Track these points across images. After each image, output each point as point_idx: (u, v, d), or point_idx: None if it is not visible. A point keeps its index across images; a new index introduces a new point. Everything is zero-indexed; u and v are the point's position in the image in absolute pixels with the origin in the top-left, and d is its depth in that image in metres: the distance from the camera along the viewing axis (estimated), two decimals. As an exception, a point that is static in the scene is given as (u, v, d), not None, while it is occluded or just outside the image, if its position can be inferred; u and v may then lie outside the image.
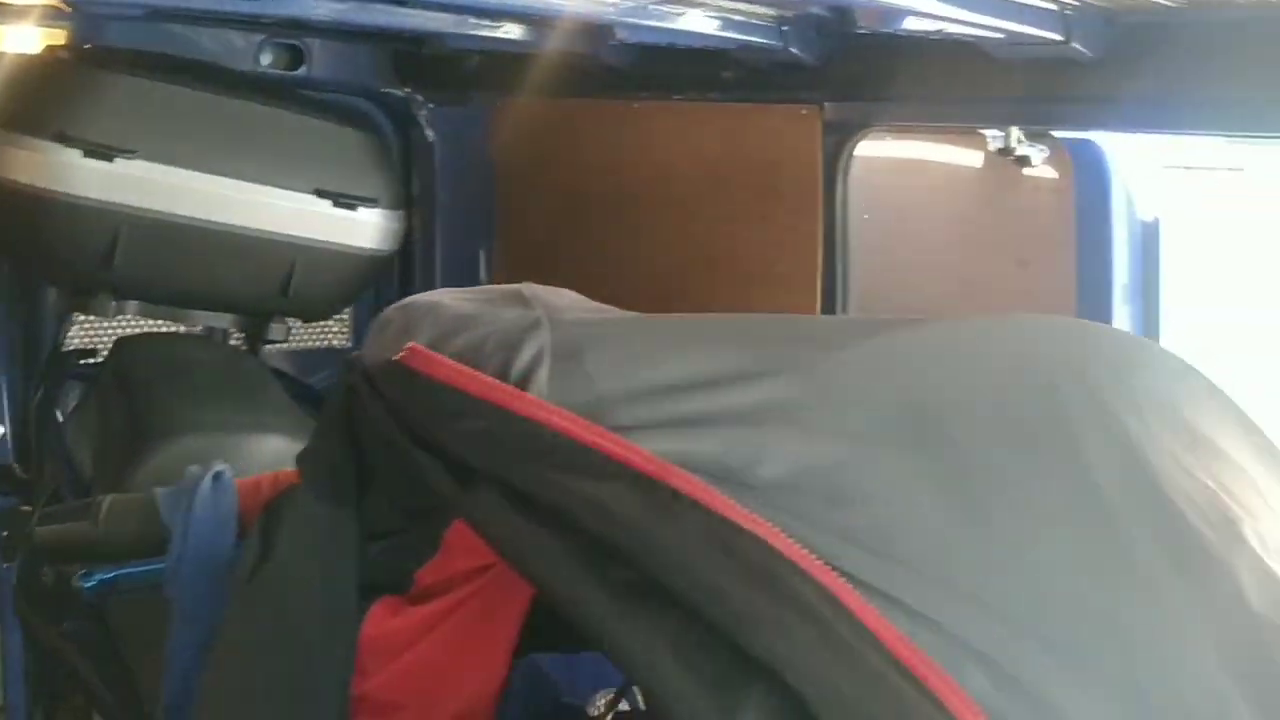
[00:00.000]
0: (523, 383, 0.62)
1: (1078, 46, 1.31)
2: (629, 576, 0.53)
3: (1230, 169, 4.10)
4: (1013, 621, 0.48)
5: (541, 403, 0.60)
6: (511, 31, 1.76)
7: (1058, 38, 1.30)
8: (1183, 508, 0.51)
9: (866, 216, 2.26)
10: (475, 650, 0.62)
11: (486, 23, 1.78)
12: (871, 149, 2.19)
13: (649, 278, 2.18)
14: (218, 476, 0.80)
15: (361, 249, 1.97)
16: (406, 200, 2.21)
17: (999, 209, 1.91)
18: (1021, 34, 1.30)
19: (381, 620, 0.67)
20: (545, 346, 0.63)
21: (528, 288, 0.72)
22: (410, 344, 0.66)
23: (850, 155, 1.89)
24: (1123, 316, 1.74)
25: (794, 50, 1.62)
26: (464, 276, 2.46)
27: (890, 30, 1.33)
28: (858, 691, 0.47)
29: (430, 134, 2.41)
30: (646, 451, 0.56)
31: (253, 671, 0.61)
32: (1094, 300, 1.73)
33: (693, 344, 0.64)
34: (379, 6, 1.57)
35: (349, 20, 1.74)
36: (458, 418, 0.62)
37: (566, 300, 0.73)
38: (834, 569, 0.50)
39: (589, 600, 0.54)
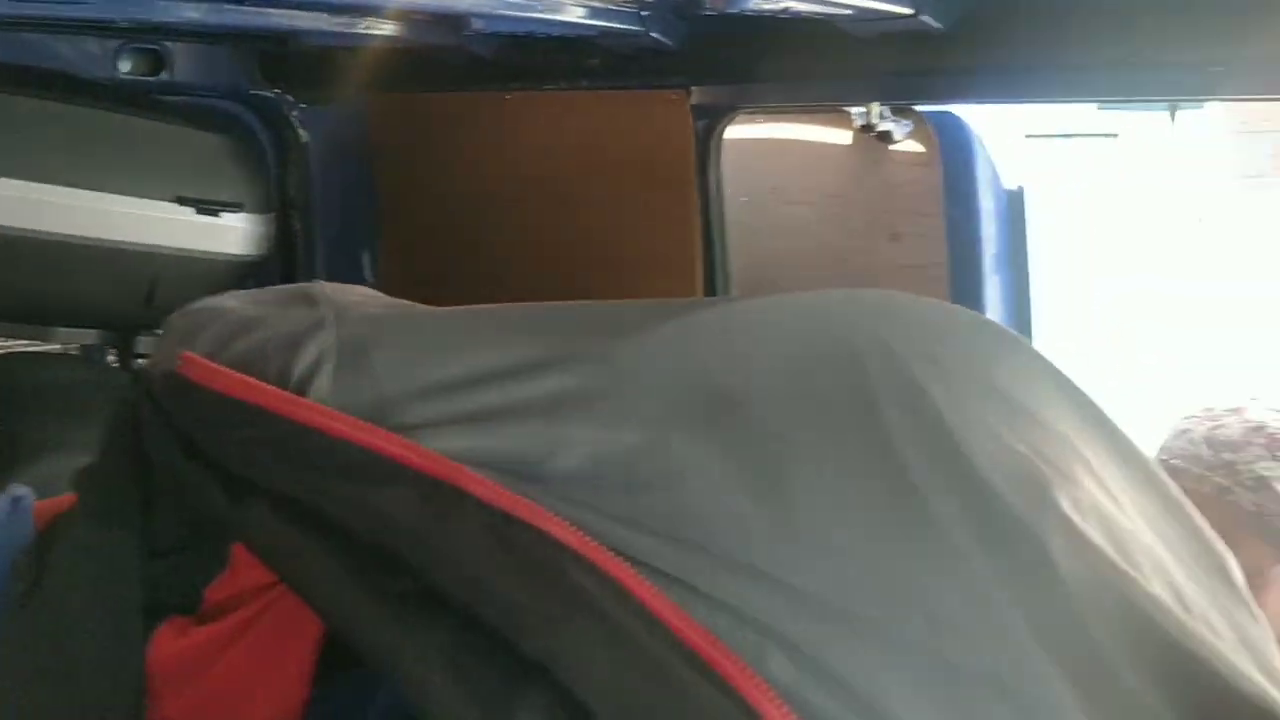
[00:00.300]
0: (303, 387, 0.60)
1: (928, 19, 1.32)
2: (407, 587, 0.51)
3: (1105, 135, 4.21)
4: (816, 603, 0.47)
5: (320, 407, 0.58)
6: (371, 26, 1.73)
7: (907, 11, 1.30)
8: (991, 477, 0.50)
9: (744, 199, 2.27)
10: (271, 669, 0.59)
11: (344, 18, 1.74)
12: (744, 132, 2.20)
13: (532, 270, 2.17)
14: (17, 501, 0.76)
15: (227, 255, 1.93)
16: (282, 202, 2.17)
17: (869, 185, 1.93)
18: (870, 9, 1.31)
19: (169, 642, 0.64)
20: (329, 347, 0.60)
21: (318, 285, 0.69)
22: (184, 353, 0.64)
23: (720, 138, 1.89)
24: (993, 285, 1.76)
25: (655, 35, 1.62)
26: (347, 278, 2.41)
27: (736, 11, 1.32)
28: (639, 686, 0.46)
29: (304, 134, 2.37)
30: (431, 451, 0.54)
31: (27, 708, 0.58)
32: (964, 270, 1.76)
33: (486, 335, 0.62)
34: (228, 7, 1.53)
35: (202, 22, 1.69)
36: (234, 429, 0.60)
37: (358, 296, 0.70)
38: (626, 558, 0.49)
39: (362, 614, 0.51)
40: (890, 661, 0.46)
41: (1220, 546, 0.59)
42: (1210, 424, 1.39)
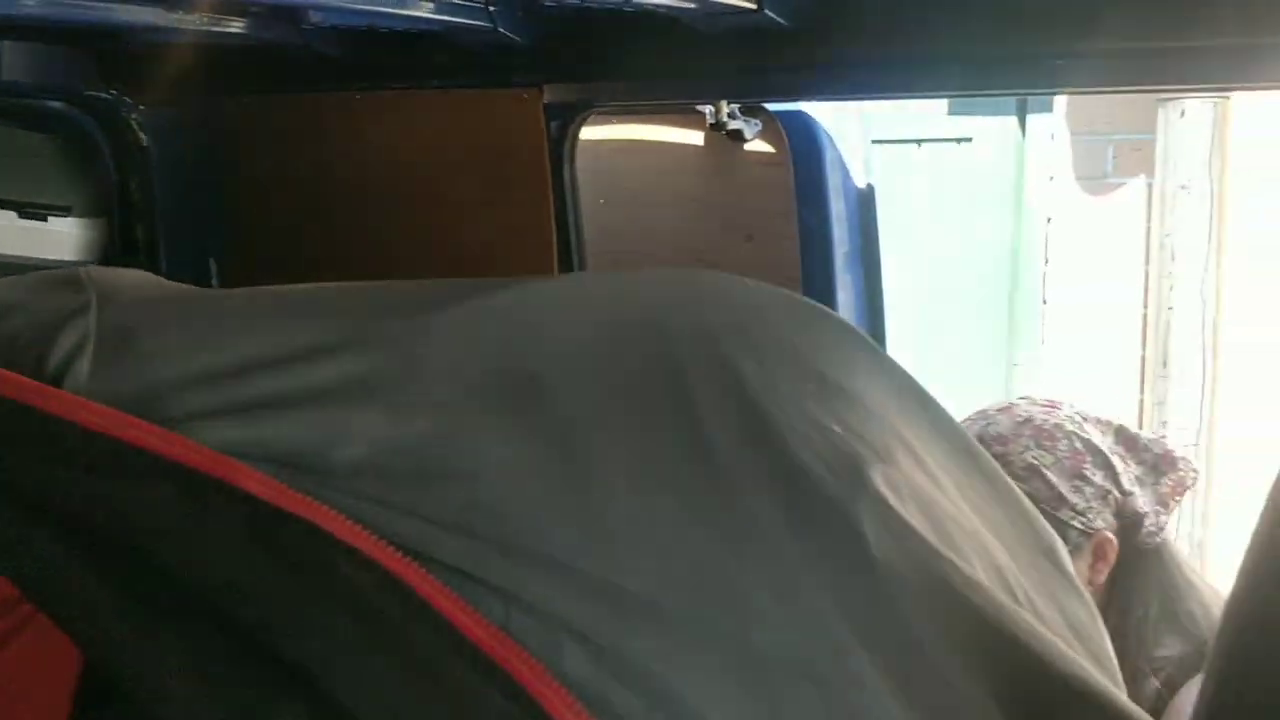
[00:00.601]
0: (59, 376, 0.55)
1: (771, 15, 1.32)
2: (154, 590, 0.47)
3: (959, 140, 4.30)
4: (618, 595, 0.44)
5: (75, 398, 0.53)
6: (208, 22, 1.67)
7: (751, 6, 1.30)
8: (805, 458, 0.49)
9: (602, 201, 2.25)
10: (33, 688, 0.54)
11: (179, 14, 1.67)
12: (602, 133, 2.18)
13: (383, 278, 2.12)
14: None
15: (56, 261, 1.84)
16: (123, 207, 2.08)
17: (724, 185, 1.92)
18: (715, 3, 1.30)
19: None
20: (89, 332, 0.55)
21: (86, 269, 0.64)
22: None
23: (575, 138, 1.87)
24: (845, 284, 1.77)
25: (503, 30, 1.59)
26: (193, 285, 2.34)
27: (578, 1, 1.30)
28: (413, 690, 0.42)
29: (144, 137, 2.28)
30: (196, 444, 0.50)
31: None
32: (817, 270, 1.76)
33: (267, 319, 0.58)
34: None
35: (28, 15, 1.61)
36: None
37: (131, 281, 0.65)
38: (411, 553, 0.45)
39: (105, 623, 0.47)
40: (694, 652, 0.44)
41: (1047, 529, 0.58)
42: (983, 423, 1.50)
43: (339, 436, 0.48)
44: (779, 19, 1.34)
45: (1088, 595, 0.58)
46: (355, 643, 0.43)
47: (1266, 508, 0.46)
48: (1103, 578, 1.43)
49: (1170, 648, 1.41)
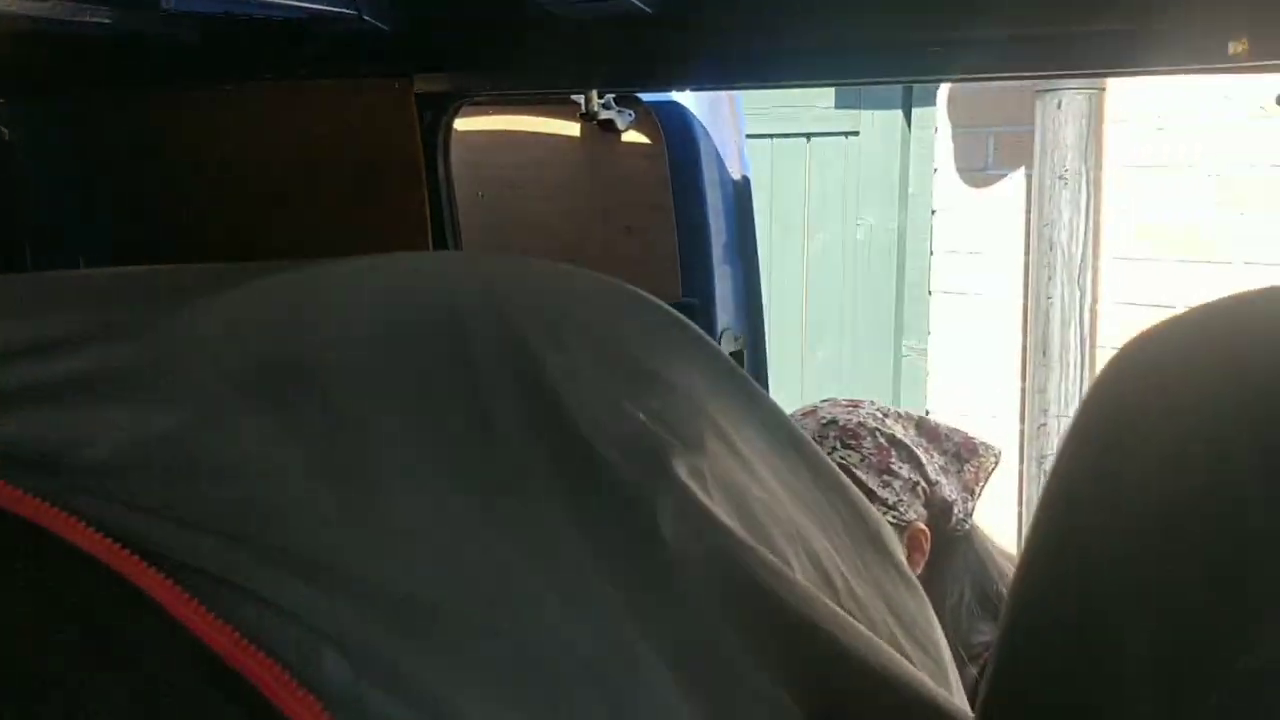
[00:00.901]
0: None
1: (638, 3, 1.30)
2: None
3: (847, 133, 4.34)
4: (391, 599, 0.41)
5: None
6: (65, 12, 1.60)
7: (617, -6, 1.28)
8: (602, 447, 0.46)
9: (481, 194, 2.22)
10: None
11: (36, 1, 1.60)
12: (479, 124, 2.15)
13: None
14: None
15: (-102, 259, 1.75)
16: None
17: (602, 177, 1.90)
18: (580, -9, 1.28)
19: None
20: None
21: None
22: None
23: (449, 129, 1.83)
24: (724, 275, 1.76)
25: (369, 18, 1.55)
26: (59, 285, 2.26)
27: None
28: (140, 706, 0.39)
29: (6, 133, 2.19)
30: None
31: None
32: (695, 261, 1.75)
33: (30, 306, 0.54)
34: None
35: None
36: None
37: None
38: (158, 558, 0.42)
39: None
40: (472, 658, 0.41)
41: (873, 515, 0.57)
42: None
43: (83, 434, 0.44)
44: (644, 6, 1.32)
45: (916, 582, 0.56)
46: (82, 657, 0.39)
47: (1044, 494, 0.45)
48: (919, 569, 1.46)
49: (985, 634, 1.43)
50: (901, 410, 1.52)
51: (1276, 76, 1.08)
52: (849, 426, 1.45)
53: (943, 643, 0.56)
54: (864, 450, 1.43)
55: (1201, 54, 1.02)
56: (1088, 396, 0.44)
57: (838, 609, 0.48)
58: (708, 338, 0.55)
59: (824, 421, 1.47)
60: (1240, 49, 0.94)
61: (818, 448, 0.57)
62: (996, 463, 1.51)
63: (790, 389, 4.35)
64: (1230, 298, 0.42)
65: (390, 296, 0.49)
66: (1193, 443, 0.38)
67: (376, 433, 0.44)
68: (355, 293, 0.49)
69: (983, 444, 1.51)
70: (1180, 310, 0.44)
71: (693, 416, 0.49)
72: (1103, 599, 0.39)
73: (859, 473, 1.41)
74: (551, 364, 0.47)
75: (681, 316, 0.56)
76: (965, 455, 1.48)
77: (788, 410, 1.62)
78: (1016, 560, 1.49)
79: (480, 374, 0.45)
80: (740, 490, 0.48)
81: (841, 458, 1.43)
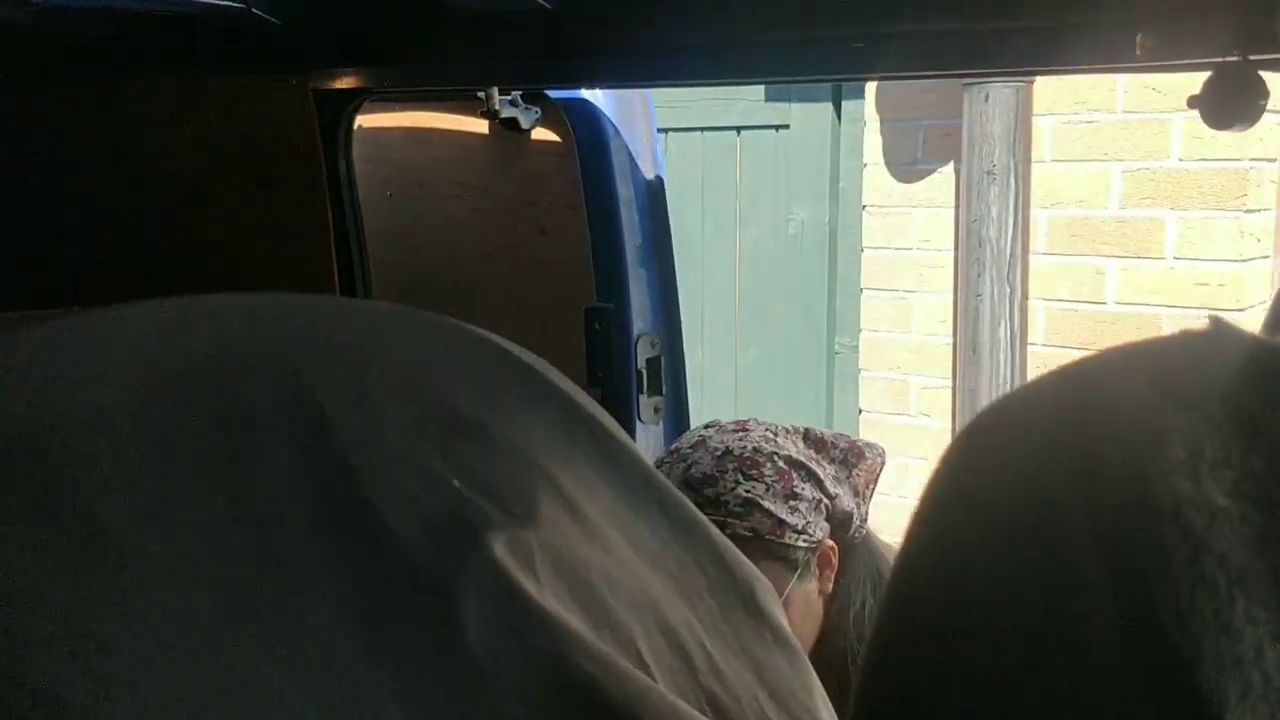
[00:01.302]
0: None
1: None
2: None
3: (778, 127, 4.29)
4: (121, 715, 0.35)
5: None
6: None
7: (511, -12, 1.22)
8: (397, 526, 0.40)
9: (389, 193, 2.14)
10: None
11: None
12: (387, 120, 2.07)
13: (150, 277, 1.97)
14: None
15: None
16: None
17: (514, 177, 1.84)
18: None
19: None
20: None
21: None
22: None
23: (349, 127, 1.76)
24: (639, 277, 1.70)
25: (258, 12, 1.47)
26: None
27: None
28: None
29: (-113, 130, 2.09)
30: None
31: None
32: (608, 263, 1.69)
33: None
34: None
35: None
36: None
37: None
38: None
39: None
40: None
41: (747, 571, 0.50)
42: (683, 466, 1.41)
43: None
44: (546, 3, 1.25)
45: (795, 644, 0.50)
46: None
47: (893, 571, 0.40)
48: (831, 584, 1.41)
49: None
50: (787, 425, 1.46)
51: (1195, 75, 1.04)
52: (745, 455, 1.38)
53: (824, 708, 0.50)
54: (767, 479, 1.36)
55: (1113, 53, 0.98)
56: (932, 477, 0.39)
57: (677, 703, 0.41)
58: (561, 383, 0.48)
59: (719, 453, 1.39)
60: (1146, 46, 0.90)
61: (685, 500, 0.50)
62: (883, 462, 1.47)
63: (723, 386, 4.30)
64: (1087, 360, 0.37)
65: (156, 359, 0.41)
66: (1026, 514, 0.33)
67: (121, 522, 0.37)
68: (110, 356, 0.42)
69: (866, 445, 1.46)
70: (1045, 372, 0.38)
71: (525, 478, 0.43)
72: (944, 688, 0.34)
73: (766, 503, 1.35)
74: (346, 425, 0.40)
75: (531, 360, 0.48)
76: (853, 460, 1.43)
77: (718, 415, 1.56)
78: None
79: (256, 439, 0.39)
80: (578, 562, 0.42)
81: (747, 490, 1.36)
